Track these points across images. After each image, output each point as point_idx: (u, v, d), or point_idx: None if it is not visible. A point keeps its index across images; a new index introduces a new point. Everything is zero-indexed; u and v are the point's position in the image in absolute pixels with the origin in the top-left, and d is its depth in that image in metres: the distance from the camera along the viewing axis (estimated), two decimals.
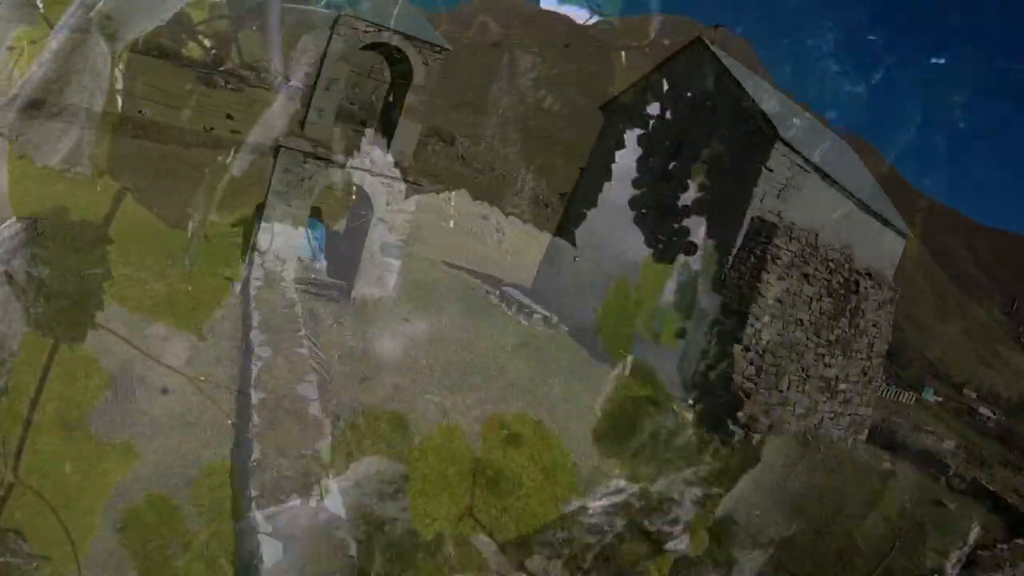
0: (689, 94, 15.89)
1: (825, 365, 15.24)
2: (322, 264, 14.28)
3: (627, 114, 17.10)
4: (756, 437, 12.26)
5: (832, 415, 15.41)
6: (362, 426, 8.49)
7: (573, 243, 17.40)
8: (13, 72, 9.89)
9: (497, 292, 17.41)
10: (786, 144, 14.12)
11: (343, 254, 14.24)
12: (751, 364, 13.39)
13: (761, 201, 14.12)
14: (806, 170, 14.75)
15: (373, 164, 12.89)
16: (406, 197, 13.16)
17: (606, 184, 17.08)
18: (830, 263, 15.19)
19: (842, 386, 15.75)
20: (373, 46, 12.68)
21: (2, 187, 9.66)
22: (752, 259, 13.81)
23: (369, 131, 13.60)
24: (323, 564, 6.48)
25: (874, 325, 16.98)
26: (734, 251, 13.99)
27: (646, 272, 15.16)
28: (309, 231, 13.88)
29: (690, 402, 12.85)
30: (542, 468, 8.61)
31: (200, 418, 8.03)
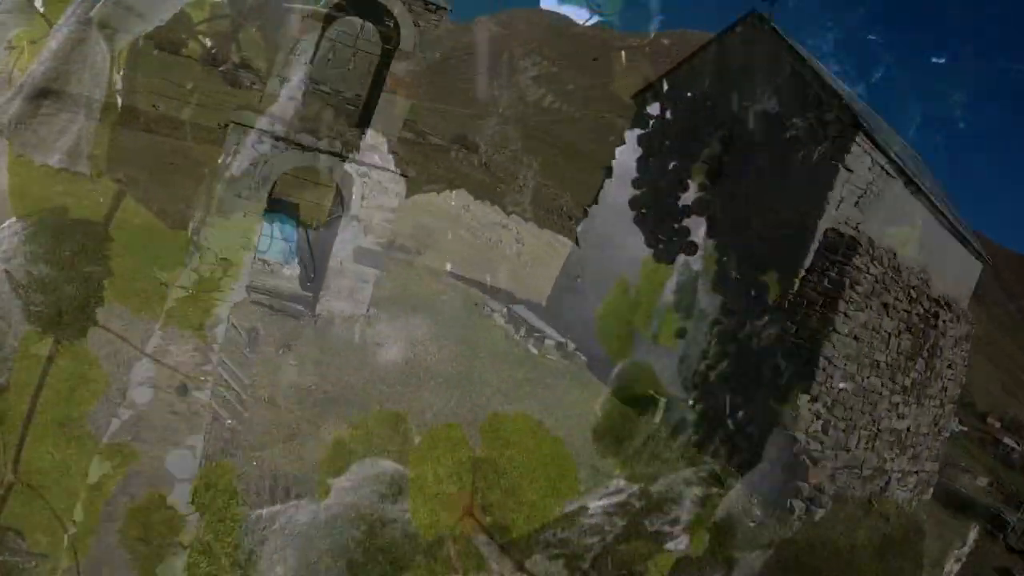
0: (738, 81, 13.37)
1: (898, 416, 12.58)
2: (293, 271, 12.11)
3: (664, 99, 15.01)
4: (819, 512, 9.97)
5: (900, 474, 12.92)
6: (362, 426, 8.49)
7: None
8: (13, 71, 9.88)
9: (505, 311, 15.22)
10: (869, 138, 11.33)
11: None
12: (817, 418, 10.76)
13: (837, 209, 11.39)
14: (890, 174, 12.06)
15: (345, 148, 10.67)
16: (388, 190, 10.86)
17: (616, 182, 15.79)
18: (911, 290, 12.52)
19: (913, 439, 13.52)
20: (356, 4, 10.70)
21: (2, 186, 9.66)
22: (826, 283, 11.11)
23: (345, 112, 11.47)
24: (323, 564, 6.48)
25: (949, 366, 14.59)
26: (800, 272, 11.28)
27: (646, 272, 15.09)
28: (277, 228, 11.77)
29: (690, 403, 12.83)
30: (542, 468, 8.62)
31: (200, 418, 8.02)
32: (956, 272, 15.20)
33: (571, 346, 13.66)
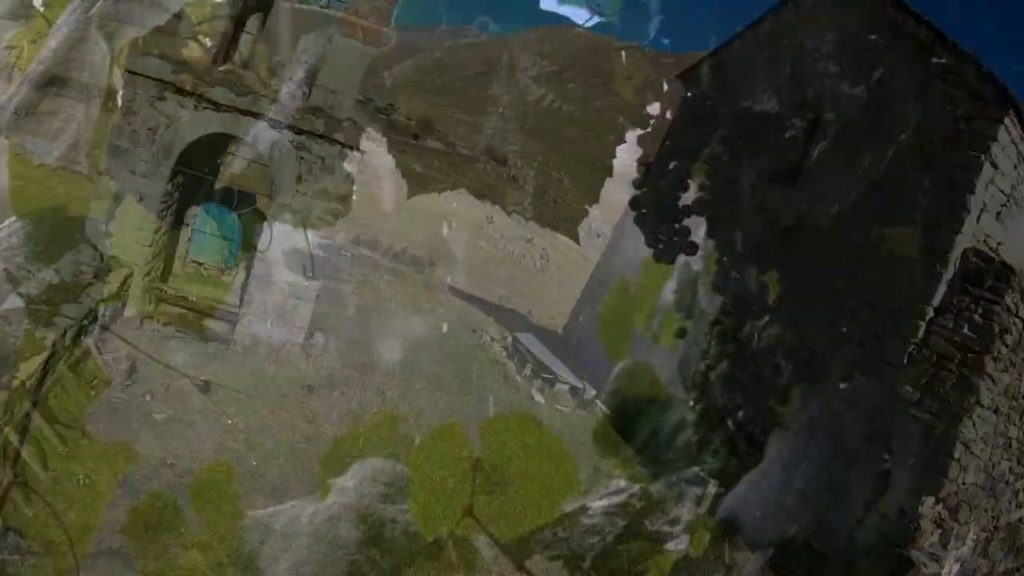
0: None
1: (1017, 505, 9.57)
2: (236, 278, 9.64)
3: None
4: None
5: None
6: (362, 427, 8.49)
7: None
8: (13, 71, 9.87)
9: (509, 340, 12.48)
10: (1021, 121, 7.91)
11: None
12: (938, 527, 7.85)
13: (977, 221, 7.96)
14: None
15: (281, 110, 8.19)
16: (341, 168, 8.19)
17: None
18: None
19: None
20: None
21: (1, 186, 9.65)
22: (966, 330, 7.66)
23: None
24: (323, 565, 6.48)
25: None
26: (928, 312, 7.88)
27: (646, 272, 15.07)
28: (212, 220, 9.23)
29: (691, 403, 12.84)
30: (542, 468, 8.62)
31: (200, 418, 8.03)
32: None
33: (588, 390, 10.87)
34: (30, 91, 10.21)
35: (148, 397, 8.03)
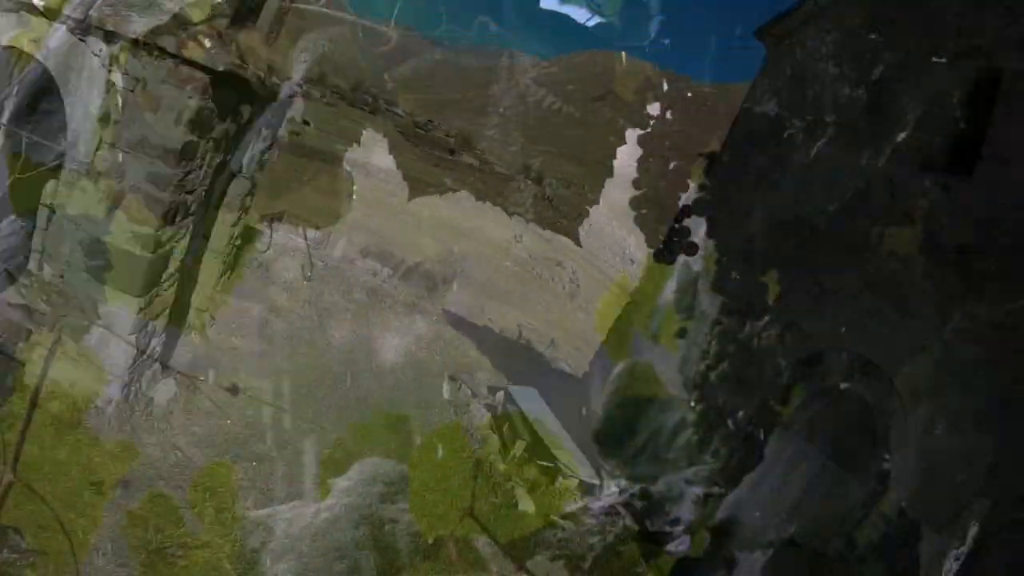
0: None
1: None
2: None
3: None
4: None
5: None
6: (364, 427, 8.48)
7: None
8: (13, 70, 9.85)
9: (498, 398, 9.34)
10: None
11: None
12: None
13: None
14: None
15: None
16: (162, 103, 5.49)
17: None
18: None
19: None
20: None
21: (2, 186, 9.64)
22: None
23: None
24: (323, 565, 6.47)
25: None
26: None
27: (646, 272, 15.08)
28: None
29: (691, 403, 12.84)
30: (543, 468, 8.61)
31: (200, 418, 8.03)
32: None
33: (611, 488, 7.45)
34: (30, 91, 10.21)
35: (148, 396, 8.03)
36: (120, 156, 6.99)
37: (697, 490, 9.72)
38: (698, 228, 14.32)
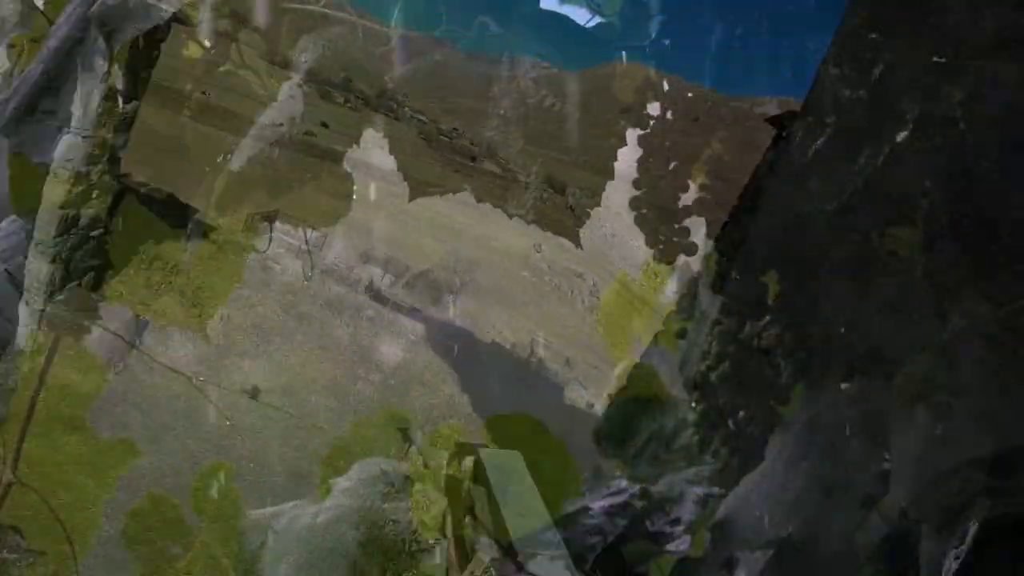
0: None
1: None
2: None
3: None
4: None
5: None
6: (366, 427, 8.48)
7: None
8: (13, 70, 9.87)
9: (465, 463, 7.69)
10: None
11: None
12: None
13: None
14: None
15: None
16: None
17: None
18: None
19: None
20: None
21: (2, 185, 9.65)
22: None
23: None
24: (324, 565, 6.47)
25: None
26: None
27: (646, 272, 15.07)
28: None
29: (691, 403, 12.86)
30: (544, 469, 8.62)
31: (200, 418, 8.03)
32: None
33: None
34: (30, 91, 10.22)
35: (149, 396, 8.03)
36: None
37: (697, 490, 9.73)
38: (698, 228, 14.34)
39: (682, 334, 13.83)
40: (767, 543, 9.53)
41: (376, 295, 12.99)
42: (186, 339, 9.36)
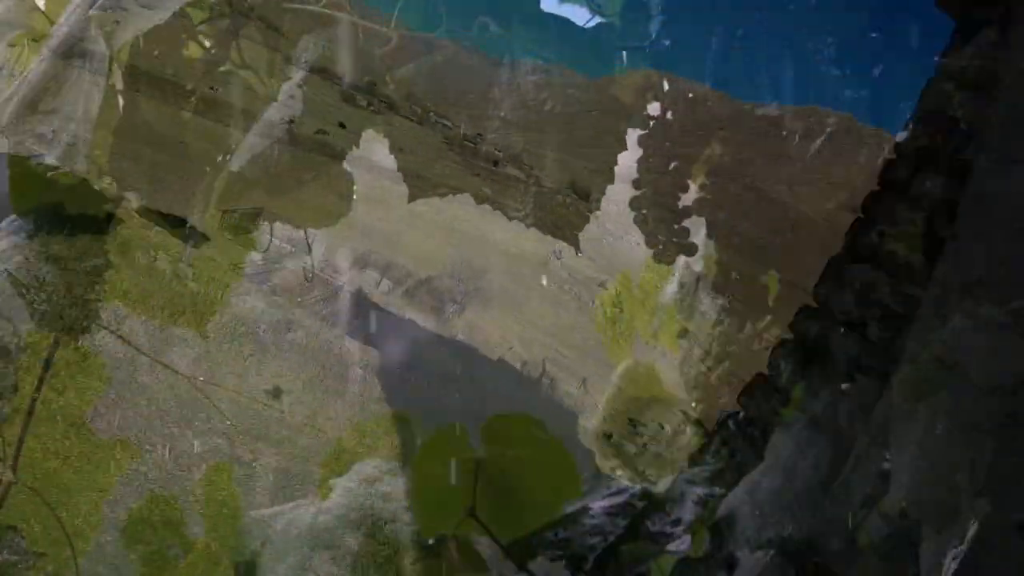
0: None
1: None
2: None
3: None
4: None
5: None
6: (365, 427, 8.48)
7: None
8: (14, 69, 9.87)
9: None
10: None
11: None
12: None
13: None
14: None
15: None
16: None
17: None
18: None
19: None
20: None
21: (2, 185, 9.65)
22: None
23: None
24: (324, 565, 6.47)
25: None
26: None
27: (646, 272, 15.10)
28: None
29: (691, 403, 12.87)
30: (544, 469, 8.62)
31: (200, 418, 8.03)
32: None
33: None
34: (30, 90, 10.22)
35: (149, 396, 8.03)
36: None
37: (697, 490, 9.73)
38: (698, 228, 14.37)
39: (682, 334, 13.86)
40: (767, 543, 9.54)
41: (376, 300, 12.87)
42: (186, 339, 9.36)
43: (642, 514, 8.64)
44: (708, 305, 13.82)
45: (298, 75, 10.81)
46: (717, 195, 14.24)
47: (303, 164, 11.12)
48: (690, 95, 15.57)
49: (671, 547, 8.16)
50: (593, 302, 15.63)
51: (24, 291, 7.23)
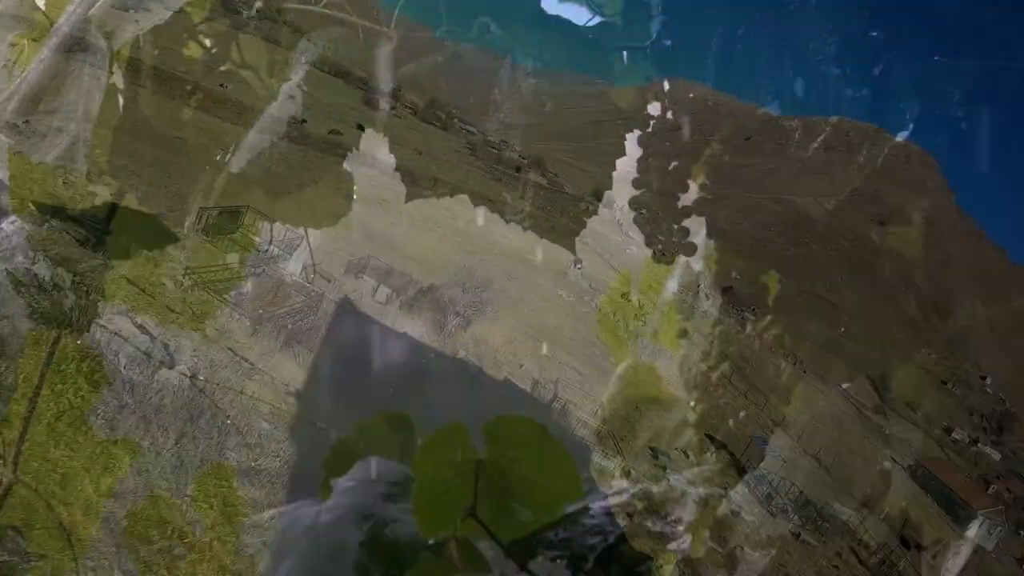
0: None
1: None
2: None
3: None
4: None
5: None
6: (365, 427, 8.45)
7: None
8: (14, 69, 9.85)
9: None
10: None
11: None
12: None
13: None
14: None
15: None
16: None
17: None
18: None
19: None
20: None
21: (2, 186, 9.62)
22: None
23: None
24: (325, 566, 6.46)
25: None
26: None
27: (646, 272, 15.06)
28: None
29: (691, 403, 12.87)
30: (545, 469, 8.60)
31: (200, 418, 8.00)
32: None
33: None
34: (30, 90, 10.21)
35: (149, 397, 8.01)
36: None
37: (698, 490, 9.73)
38: (698, 228, 14.34)
39: (682, 334, 13.86)
40: (767, 543, 9.55)
41: (375, 304, 12.64)
42: (186, 339, 9.33)
43: (643, 514, 8.64)
44: (708, 304, 13.78)
45: (298, 75, 10.78)
46: (717, 195, 14.18)
47: (311, 164, 11.09)
48: (690, 95, 15.50)
49: (671, 547, 8.15)
50: (615, 313, 14.97)
51: (24, 291, 7.21)
